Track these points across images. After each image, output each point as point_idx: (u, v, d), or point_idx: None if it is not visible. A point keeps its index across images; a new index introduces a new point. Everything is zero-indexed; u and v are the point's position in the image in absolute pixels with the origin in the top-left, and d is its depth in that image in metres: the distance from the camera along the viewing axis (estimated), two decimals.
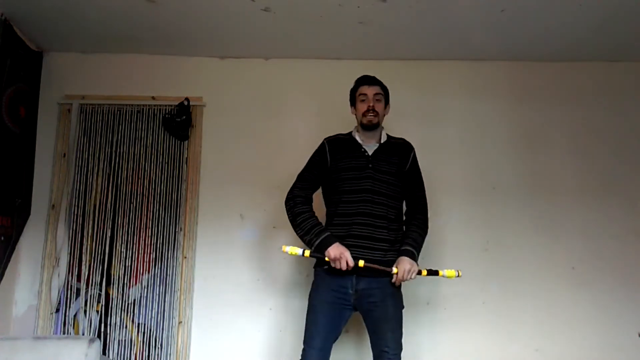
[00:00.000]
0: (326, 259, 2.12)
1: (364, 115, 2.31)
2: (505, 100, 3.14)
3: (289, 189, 2.35)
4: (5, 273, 2.72)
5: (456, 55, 3.12)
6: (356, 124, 2.41)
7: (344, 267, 2.09)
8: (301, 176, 2.35)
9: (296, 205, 2.25)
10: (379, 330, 2.16)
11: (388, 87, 2.37)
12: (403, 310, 2.24)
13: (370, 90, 2.32)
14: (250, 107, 3.10)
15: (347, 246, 2.16)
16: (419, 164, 2.43)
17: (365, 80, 2.36)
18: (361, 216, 2.21)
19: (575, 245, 2.94)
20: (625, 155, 3.06)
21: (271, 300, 2.86)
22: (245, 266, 2.91)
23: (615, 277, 2.89)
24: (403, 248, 2.22)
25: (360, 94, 2.35)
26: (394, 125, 3.03)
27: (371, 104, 2.30)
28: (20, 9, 2.67)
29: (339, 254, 2.09)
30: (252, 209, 2.97)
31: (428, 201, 2.71)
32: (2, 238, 2.69)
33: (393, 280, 2.16)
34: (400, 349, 2.15)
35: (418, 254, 2.25)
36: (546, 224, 2.97)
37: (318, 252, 2.15)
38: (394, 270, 2.13)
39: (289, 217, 2.27)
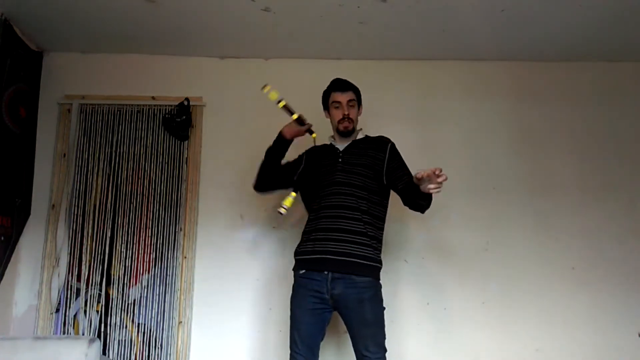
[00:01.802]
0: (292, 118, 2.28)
1: (339, 122, 2.33)
2: (505, 100, 3.14)
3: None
4: (5, 273, 2.72)
5: (456, 55, 3.12)
6: (332, 131, 2.43)
7: (294, 128, 2.27)
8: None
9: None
10: (358, 335, 2.13)
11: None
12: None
13: (343, 98, 2.33)
14: (250, 107, 3.10)
15: (315, 240, 2.18)
16: (402, 156, 2.35)
17: (338, 86, 2.36)
18: (329, 209, 2.20)
19: (575, 245, 2.94)
20: (625, 155, 3.06)
21: (271, 300, 2.86)
22: (245, 266, 2.91)
23: (615, 277, 2.89)
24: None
25: (333, 102, 2.35)
26: (394, 125, 3.04)
27: (346, 112, 2.31)
28: (20, 9, 2.67)
29: (286, 126, 2.27)
30: (252, 209, 2.97)
31: None
32: (2, 238, 2.69)
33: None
34: (384, 350, 2.11)
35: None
36: (546, 223, 2.97)
37: (277, 142, 2.32)
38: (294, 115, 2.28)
39: (258, 175, 2.37)
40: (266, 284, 2.89)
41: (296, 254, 2.29)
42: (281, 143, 2.32)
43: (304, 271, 2.21)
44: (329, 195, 2.23)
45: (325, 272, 2.14)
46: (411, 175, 2.27)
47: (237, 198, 2.98)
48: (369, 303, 2.14)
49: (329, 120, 2.44)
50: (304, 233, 2.28)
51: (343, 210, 2.19)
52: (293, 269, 2.30)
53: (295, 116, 2.27)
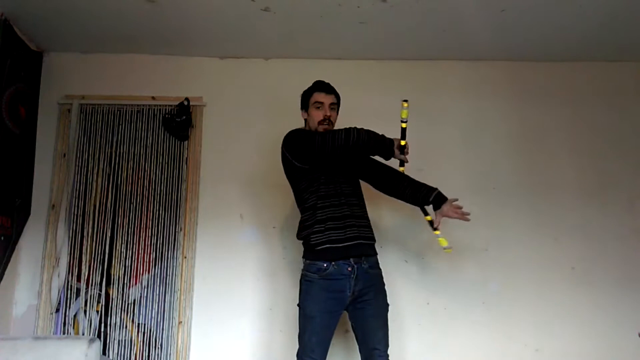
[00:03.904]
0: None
1: (319, 123, 2.30)
2: (505, 100, 3.14)
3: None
4: (5, 273, 2.72)
5: (456, 55, 3.12)
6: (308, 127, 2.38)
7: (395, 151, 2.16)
8: (312, 133, 2.25)
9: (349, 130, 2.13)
10: (370, 328, 2.15)
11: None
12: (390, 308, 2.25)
13: (326, 99, 2.32)
14: (250, 107, 3.10)
15: (346, 226, 2.16)
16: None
17: (323, 87, 2.35)
18: (345, 196, 2.23)
19: (575, 245, 2.94)
20: (625, 155, 3.07)
21: (271, 300, 2.86)
22: (245, 266, 2.91)
23: (615, 277, 2.89)
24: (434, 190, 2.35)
25: (315, 102, 2.33)
26: (394, 125, 3.03)
27: (327, 114, 2.30)
28: (20, 9, 2.67)
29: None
30: (252, 209, 2.97)
31: None
32: (2, 238, 2.69)
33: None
34: (388, 346, 2.17)
35: None
36: (546, 223, 2.97)
37: (381, 144, 2.16)
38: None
39: (349, 140, 2.09)
40: (266, 284, 2.89)
41: (322, 243, 2.15)
42: (382, 147, 2.16)
43: (325, 272, 2.13)
44: (342, 184, 2.23)
45: (349, 269, 2.13)
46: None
47: (237, 198, 2.98)
48: (381, 296, 2.21)
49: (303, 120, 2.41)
50: (321, 221, 2.16)
51: (354, 198, 2.25)
52: (306, 271, 2.19)
53: (403, 142, 2.20)
